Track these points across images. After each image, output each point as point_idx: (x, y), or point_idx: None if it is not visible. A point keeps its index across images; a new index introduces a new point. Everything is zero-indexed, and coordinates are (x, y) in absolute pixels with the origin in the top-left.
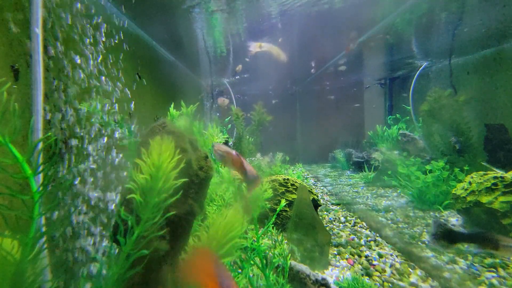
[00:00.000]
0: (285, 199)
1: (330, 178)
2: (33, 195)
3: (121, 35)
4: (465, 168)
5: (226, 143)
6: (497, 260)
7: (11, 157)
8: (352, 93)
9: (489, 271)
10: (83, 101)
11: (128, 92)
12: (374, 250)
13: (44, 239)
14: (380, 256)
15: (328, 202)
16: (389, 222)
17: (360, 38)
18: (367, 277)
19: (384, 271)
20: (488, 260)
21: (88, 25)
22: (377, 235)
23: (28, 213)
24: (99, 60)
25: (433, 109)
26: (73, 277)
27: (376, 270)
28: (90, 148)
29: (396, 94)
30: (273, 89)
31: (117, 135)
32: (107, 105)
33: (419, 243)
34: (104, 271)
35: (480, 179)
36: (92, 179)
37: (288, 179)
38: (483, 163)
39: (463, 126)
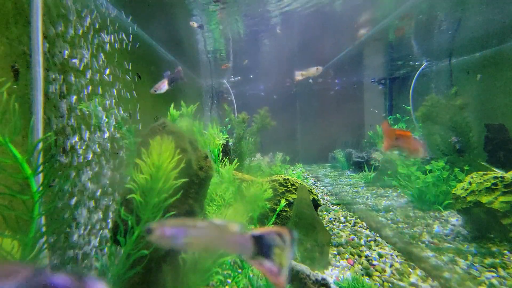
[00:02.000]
0: (285, 199)
1: (330, 178)
2: (33, 195)
3: (123, 35)
4: (465, 168)
5: (226, 144)
6: (497, 260)
7: (11, 157)
8: (352, 93)
9: (489, 271)
10: (83, 101)
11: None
12: (374, 250)
13: (44, 239)
14: (380, 256)
15: (328, 202)
16: (389, 222)
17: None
18: (367, 277)
19: (384, 271)
20: (488, 260)
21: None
22: (377, 235)
23: (28, 213)
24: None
25: (430, 113)
26: None
27: (376, 270)
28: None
29: (396, 94)
30: (266, 90)
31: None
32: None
33: (419, 243)
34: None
35: (480, 179)
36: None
37: (288, 179)
38: (483, 163)
39: (463, 126)
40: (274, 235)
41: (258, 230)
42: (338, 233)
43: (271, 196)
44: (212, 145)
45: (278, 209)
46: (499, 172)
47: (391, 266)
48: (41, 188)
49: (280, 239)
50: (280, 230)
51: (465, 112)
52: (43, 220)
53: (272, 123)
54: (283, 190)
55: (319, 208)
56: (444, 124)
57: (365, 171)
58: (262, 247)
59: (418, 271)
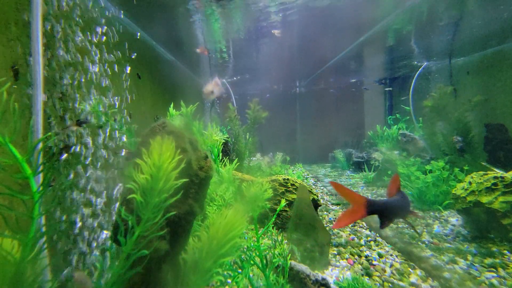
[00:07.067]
0: (285, 199)
1: (330, 178)
2: (33, 195)
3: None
4: (465, 168)
5: (226, 143)
6: (497, 260)
7: (11, 157)
8: (352, 93)
9: (489, 271)
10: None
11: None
12: (374, 250)
13: (44, 239)
14: (380, 256)
15: (328, 202)
16: None
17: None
18: (367, 277)
19: (384, 271)
20: (488, 260)
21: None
22: (377, 235)
23: (28, 213)
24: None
25: (437, 106)
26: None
27: (376, 270)
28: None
29: (396, 94)
30: (268, 90)
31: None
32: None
33: (419, 243)
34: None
35: (480, 179)
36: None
37: (288, 179)
38: (483, 163)
39: (464, 126)
40: None
41: None
42: (338, 233)
43: (271, 196)
44: (210, 141)
45: (278, 209)
46: (499, 172)
47: (391, 266)
48: (41, 188)
49: None
50: None
51: (466, 112)
52: (43, 220)
53: (264, 114)
54: (283, 190)
55: (319, 208)
56: (450, 120)
57: (365, 171)
58: None
59: (418, 271)
